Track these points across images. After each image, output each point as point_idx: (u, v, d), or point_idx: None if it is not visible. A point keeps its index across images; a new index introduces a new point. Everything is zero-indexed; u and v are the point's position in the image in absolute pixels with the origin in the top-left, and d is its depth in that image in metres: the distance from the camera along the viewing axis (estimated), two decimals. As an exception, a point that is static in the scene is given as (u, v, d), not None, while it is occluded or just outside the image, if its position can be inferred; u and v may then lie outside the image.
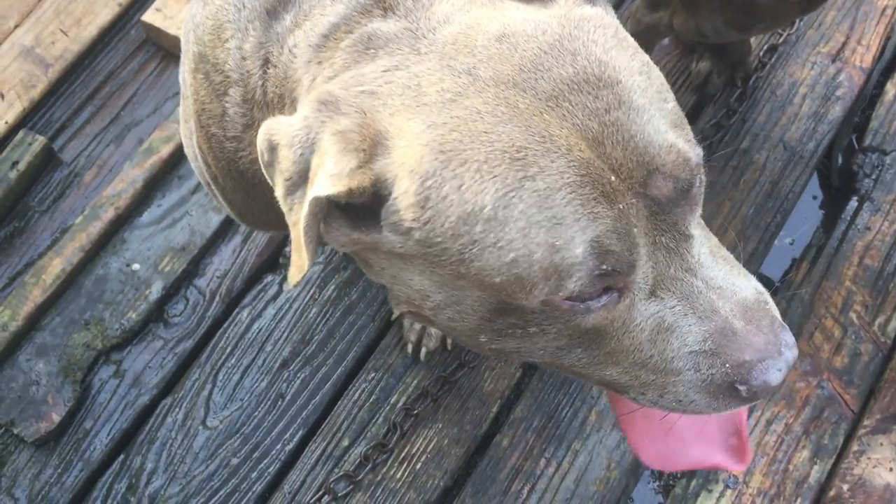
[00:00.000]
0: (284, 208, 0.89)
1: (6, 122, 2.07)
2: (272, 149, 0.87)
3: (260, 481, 1.74)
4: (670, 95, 0.90)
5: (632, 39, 0.93)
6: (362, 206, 0.86)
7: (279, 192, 0.89)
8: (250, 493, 1.73)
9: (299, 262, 0.87)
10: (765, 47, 2.09)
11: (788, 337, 0.91)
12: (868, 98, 2.14)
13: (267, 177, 0.91)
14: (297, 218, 0.86)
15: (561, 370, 1.00)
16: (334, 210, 0.87)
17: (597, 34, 0.88)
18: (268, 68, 0.99)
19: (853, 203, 1.99)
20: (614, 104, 0.84)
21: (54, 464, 1.76)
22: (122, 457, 1.77)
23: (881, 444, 1.75)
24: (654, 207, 0.85)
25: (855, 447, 1.74)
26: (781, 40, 2.11)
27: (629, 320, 0.89)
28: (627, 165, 0.83)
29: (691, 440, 1.05)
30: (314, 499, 1.70)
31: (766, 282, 2.00)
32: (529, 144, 0.82)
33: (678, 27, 1.77)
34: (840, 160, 2.12)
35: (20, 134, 2.04)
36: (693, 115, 2.08)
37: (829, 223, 2.03)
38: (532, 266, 0.83)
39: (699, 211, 0.92)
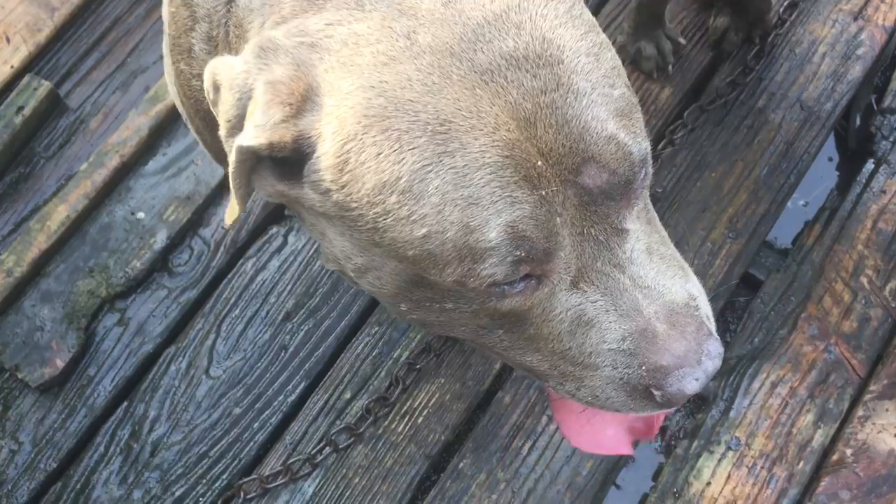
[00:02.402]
0: (226, 149, 0.88)
1: (11, 67, 2.05)
2: (216, 88, 0.87)
3: (262, 431, 1.75)
4: (620, 81, 0.86)
5: (588, 16, 0.88)
6: (289, 160, 0.84)
7: (222, 133, 0.88)
8: (252, 443, 1.74)
9: (232, 205, 0.87)
10: (785, 3, 2.03)
11: (713, 346, 0.87)
12: (889, 58, 2.09)
13: (214, 114, 0.90)
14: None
15: (485, 350, 0.98)
16: (265, 160, 0.85)
17: (548, 8, 0.84)
18: (231, 6, 0.97)
19: (869, 165, 1.95)
20: (552, 85, 0.80)
21: (58, 409, 1.78)
22: (125, 404, 1.78)
23: (887, 410, 1.73)
24: (584, 197, 0.82)
25: (860, 412, 1.73)
26: (803, -4, 2.05)
27: (549, 309, 0.86)
28: (558, 151, 0.80)
29: (606, 424, 1.05)
30: (315, 450, 1.71)
31: (776, 246, 1.97)
32: (455, 119, 0.79)
33: (695, -20, 1.72)
34: (858, 121, 2.07)
35: (26, 79, 2.02)
36: (709, 72, 2.04)
37: (844, 186, 1.99)
38: (445, 244, 0.81)
39: (641, 205, 0.88)
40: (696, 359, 0.85)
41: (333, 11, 0.86)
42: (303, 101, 0.82)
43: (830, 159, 2.07)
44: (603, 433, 1.06)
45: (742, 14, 1.98)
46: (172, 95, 1.20)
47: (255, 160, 0.84)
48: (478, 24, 0.82)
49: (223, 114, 0.86)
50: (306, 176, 0.84)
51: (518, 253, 0.80)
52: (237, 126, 0.85)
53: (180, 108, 1.20)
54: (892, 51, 2.08)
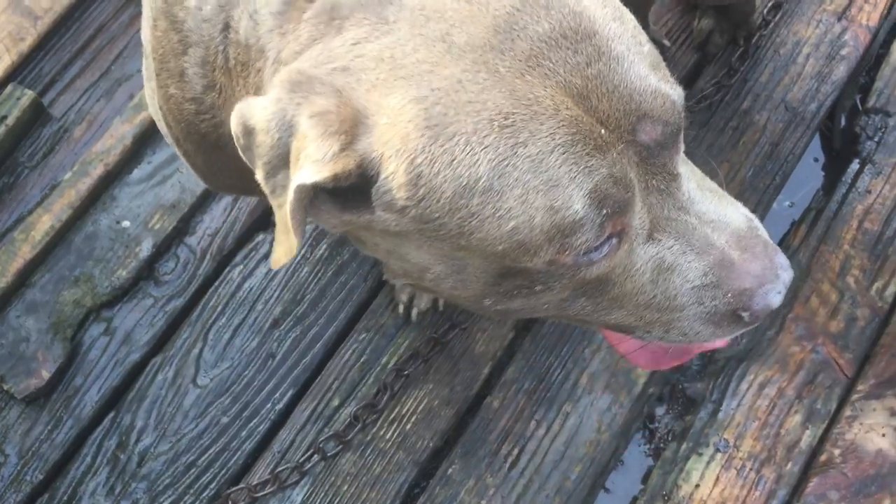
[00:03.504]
0: (266, 191, 0.86)
1: (-5, 76, 2.04)
2: (248, 133, 0.84)
3: (250, 440, 1.74)
4: (644, 37, 0.88)
5: None
6: (350, 188, 0.83)
7: (259, 176, 0.86)
8: (240, 452, 1.73)
9: (287, 244, 0.85)
10: (769, 4, 2.04)
11: (782, 259, 0.92)
12: (874, 58, 2.09)
13: (245, 159, 0.88)
14: (281, 202, 0.84)
15: (565, 320, 1.00)
16: (321, 193, 0.84)
17: None
18: (228, 33, 0.95)
19: (854, 165, 1.95)
20: (594, 56, 0.82)
21: (44, 420, 1.77)
22: (112, 414, 1.77)
23: (874, 410, 1.73)
24: (643, 153, 0.85)
25: (848, 412, 1.73)
26: (787, -3, 2.06)
27: (630, 265, 0.89)
28: (615, 116, 0.82)
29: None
30: (304, 458, 1.70)
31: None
32: (516, 109, 0.80)
33: (678, -17, 1.72)
34: (843, 122, 2.08)
35: (9, 88, 2.01)
36: (694, 74, 2.04)
37: (829, 186, 1.99)
38: (533, 230, 0.82)
39: (683, 148, 0.91)
40: (773, 274, 0.90)
41: (356, 30, 0.84)
42: (354, 126, 0.81)
43: (816, 160, 2.08)
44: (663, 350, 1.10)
45: (726, 16, 1.98)
46: (156, 118, 1.18)
47: (312, 196, 0.83)
48: (507, 13, 0.82)
49: (261, 156, 0.84)
50: (376, 198, 0.84)
51: (604, 212, 0.82)
52: (278, 166, 0.84)
53: (165, 131, 1.17)
54: (877, 51, 2.09)
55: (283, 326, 1.83)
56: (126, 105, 2.01)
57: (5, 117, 1.97)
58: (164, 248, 1.90)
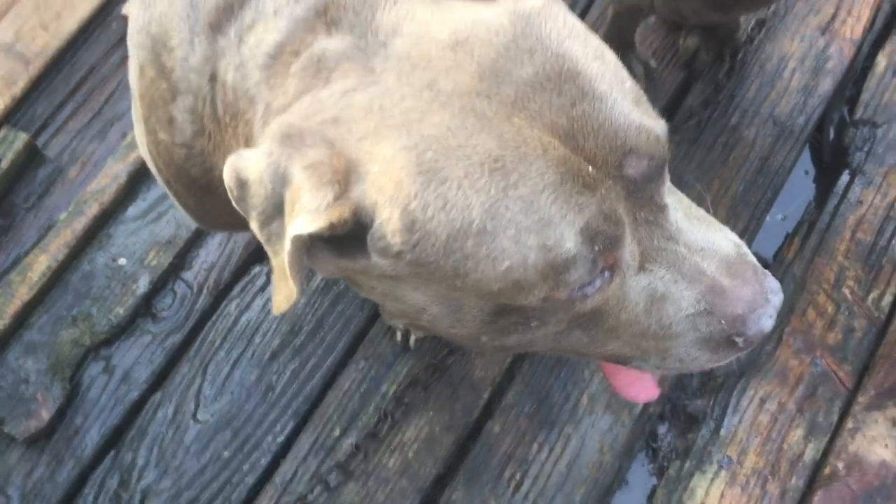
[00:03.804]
0: (261, 239, 0.87)
1: (-12, 120, 2.05)
2: (241, 185, 0.86)
3: (251, 473, 1.74)
4: (625, 73, 0.90)
5: (580, 24, 0.92)
6: (346, 235, 0.85)
7: (254, 226, 0.87)
8: (242, 486, 1.73)
9: (287, 291, 0.86)
10: (753, 21, 2.06)
11: (772, 283, 0.93)
12: (859, 70, 2.11)
13: (239, 210, 0.89)
14: (277, 250, 0.86)
15: (562, 353, 1.01)
16: (317, 241, 0.85)
17: (548, 27, 0.87)
18: (215, 84, 0.96)
19: (845, 177, 1.96)
20: (578, 96, 0.83)
21: (46, 461, 1.76)
22: (112, 453, 1.77)
23: (876, 421, 1.73)
24: (630, 187, 0.86)
25: (850, 424, 1.73)
26: (771, 14, 2.08)
27: (623, 297, 0.91)
28: (601, 153, 0.84)
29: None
30: (307, 490, 1.70)
31: (758, 261, 1.98)
32: (505, 152, 0.81)
33: (659, 8, 1.74)
34: (832, 134, 2.09)
35: (2, 131, 2.02)
36: (682, 92, 2.06)
37: (821, 198, 2.00)
38: (528, 269, 0.83)
39: (667, 180, 0.93)
40: (764, 298, 0.92)
41: (343, 81, 0.86)
42: (347, 175, 0.82)
43: (807, 172, 2.09)
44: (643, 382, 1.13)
45: (711, 34, 2.00)
46: (146, 159, 1.19)
47: (308, 244, 0.85)
48: (492, 59, 0.84)
49: (255, 207, 0.86)
50: (371, 245, 0.85)
51: (596, 248, 0.84)
52: (272, 215, 0.85)
53: (155, 172, 1.18)
54: (862, 63, 2.10)
55: (281, 358, 1.83)
56: (119, 144, 2.03)
57: (0, 160, 1.99)
58: (161, 284, 1.91)
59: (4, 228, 1.98)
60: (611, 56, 0.90)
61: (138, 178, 1.99)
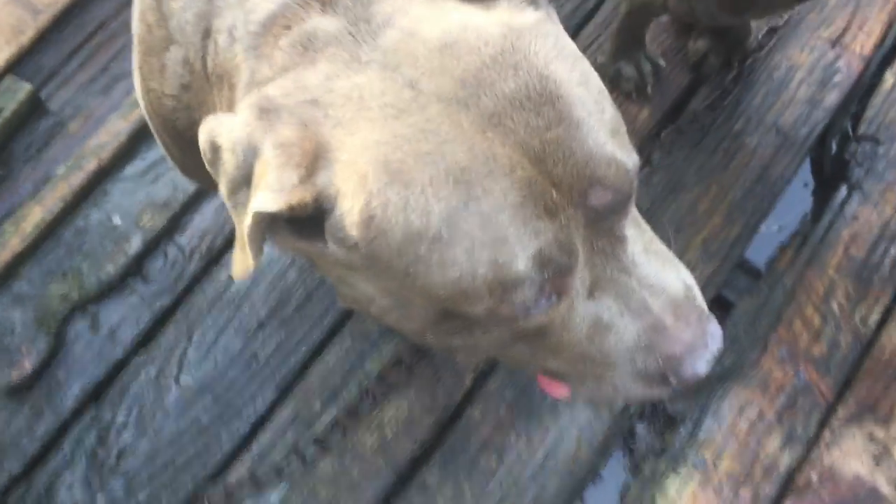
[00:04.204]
0: (228, 205, 0.89)
1: (-7, 68, 2.05)
2: (214, 149, 0.87)
3: (229, 441, 1.74)
4: (608, 103, 0.90)
5: (571, 47, 0.92)
6: (307, 218, 0.86)
7: (223, 191, 0.88)
8: (219, 452, 1.73)
9: (244, 261, 0.87)
10: (764, 29, 2.06)
11: (714, 328, 0.95)
12: (866, 86, 2.11)
13: (210, 172, 0.90)
14: (241, 219, 0.87)
15: (504, 361, 1.03)
16: (278, 220, 0.86)
17: (538, 45, 0.87)
18: (208, 41, 0.96)
19: (843, 192, 1.96)
20: (555, 121, 0.84)
21: (25, 412, 1.77)
22: (93, 409, 1.77)
23: (854, 436, 1.74)
24: (591, 215, 0.87)
25: (827, 437, 1.74)
26: (782, 23, 2.07)
27: (568, 320, 0.92)
28: (568, 180, 0.84)
29: None
30: (283, 460, 1.71)
31: (749, 268, 1.98)
32: (473, 165, 0.81)
33: (672, 8, 1.74)
34: (834, 148, 2.09)
35: (6, 80, 2.02)
36: (688, 95, 2.05)
37: (817, 211, 2.01)
38: (476, 281, 0.84)
39: (633, 211, 0.94)
40: (703, 343, 0.93)
41: (328, 64, 0.86)
42: (315, 160, 0.83)
43: (806, 185, 2.09)
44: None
45: (721, 38, 2.00)
46: (142, 109, 1.20)
47: (269, 221, 0.85)
48: (477, 68, 0.84)
49: (225, 174, 0.87)
50: (329, 233, 0.86)
51: (546, 275, 0.85)
52: (241, 184, 0.86)
53: (149, 122, 1.20)
54: (869, 79, 2.10)
55: (268, 329, 1.83)
56: (122, 101, 2.03)
57: (2, 109, 1.98)
58: (154, 245, 1.91)
59: (2, 178, 1.98)
60: (595, 83, 0.90)
61: (139, 137, 1.98)
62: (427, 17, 0.88)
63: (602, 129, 0.86)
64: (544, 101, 0.84)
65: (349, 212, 0.83)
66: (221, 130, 0.86)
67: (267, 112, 0.84)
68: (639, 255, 0.91)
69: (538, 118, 0.83)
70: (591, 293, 0.91)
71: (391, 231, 0.83)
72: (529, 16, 0.90)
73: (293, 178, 0.82)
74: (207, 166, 0.90)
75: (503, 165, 0.82)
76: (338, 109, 0.84)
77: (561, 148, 0.83)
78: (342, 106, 0.84)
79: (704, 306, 0.96)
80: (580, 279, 0.89)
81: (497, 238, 0.82)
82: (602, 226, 0.88)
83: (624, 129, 0.91)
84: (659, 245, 0.96)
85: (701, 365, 0.93)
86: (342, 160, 0.83)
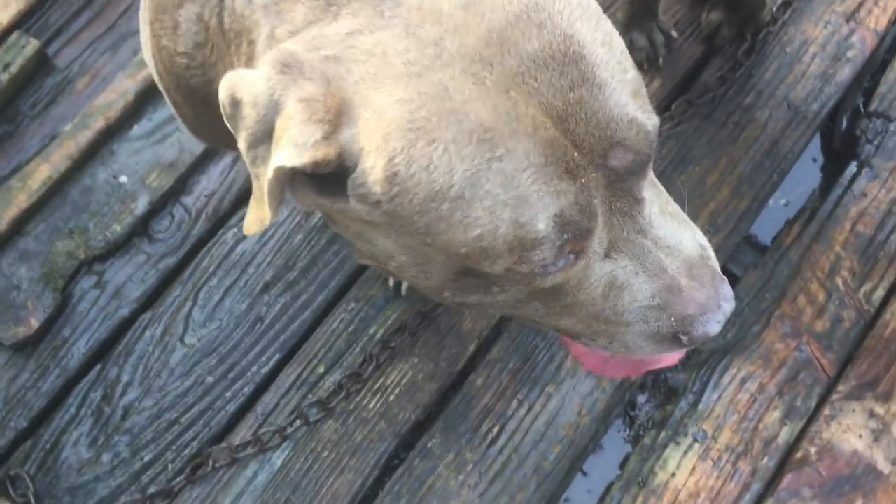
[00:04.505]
0: (247, 160, 0.88)
1: (0, 23, 2.03)
2: (235, 104, 0.87)
3: (233, 401, 1.76)
4: (629, 63, 0.90)
5: (594, 5, 0.91)
6: (329, 174, 0.86)
7: (242, 146, 0.88)
8: (223, 412, 1.75)
9: (261, 214, 0.88)
10: (779, 2, 2.04)
11: (727, 290, 0.96)
12: (879, 62, 2.09)
13: (229, 126, 0.90)
14: (260, 173, 0.87)
15: (517, 319, 1.04)
16: (300, 175, 0.86)
17: (562, 4, 0.86)
18: None
19: (852, 168, 1.96)
20: (578, 81, 0.84)
21: (31, 368, 1.78)
22: (98, 367, 1.78)
23: (853, 411, 1.75)
24: (611, 176, 0.87)
25: (827, 412, 1.75)
26: (797, -4, 2.05)
27: (584, 279, 0.93)
28: (589, 141, 0.84)
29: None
30: (286, 422, 1.72)
31: (755, 242, 1.98)
32: (497, 124, 0.81)
33: (689, -26, 1.72)
34: (844, 124, 2.08)
35: (14, 36, 2.01)
36: (699, 66, 2.04)
37: (826, 187, 2.00)
38: (497, 240, 0.85)
39: (651, 173, 0.94)
40: (716, 304, 0.94)
41: (351, 19, 0.86)
42: (339, 116, 0.83)
43: (814, 160, 2.08)
44: (623, 364, 1.15)
45: (735, 10, 1.98)
46: (150, 67, 1.19)
47: (290, 176, 0.86)
48: (501, 26, 0.83)
49: (246, 128, 0.87)
50: (351, 189, 0.86)
51: (566, 236, 0.85)
52: (261, 139, 0.86)
53: (158, 82, 1.19)
54: (882, 55, 2.09)
55: (273, 291, 1.84)
56: (130, 61, 2.01)
57: (9, 65, 1.97)
58: (160, 205, 1.91)
59: (8, 134, 1.97)
60: (618, 43, 0.90)
61: (146, 96, 1.97)
62: None
63: (624, 90, 0.86)
64: (568, 60, 0.84)
65: (372, 169, 0.83)
66: (243, 84, 0.85)
67: (290, 67, 0.83)
68: (656, 217, 0.92)
69: (562, 78, 0.83)
70: (608, 253, 0.91)
71: (414, 189, 0.83)
72: None
73: (317, 133, 0.82)
74: (226, 121, 0.89)
75: (526, 125, 0.82)
76: (361, 66, 0.83)
77: (584, 108, 0.83)
78: (365, 62, 0.83)
79: (717, 267, 0.97)
80: (598, 239, 0.90)
81: (519, 197, 0.82)
82: (621, 186, 0.88)
83: (644, 90, 0.91)
84: (675, 207, 0.97)
85: (713, 325, 0.94)
86: (365, 118, 0.83)
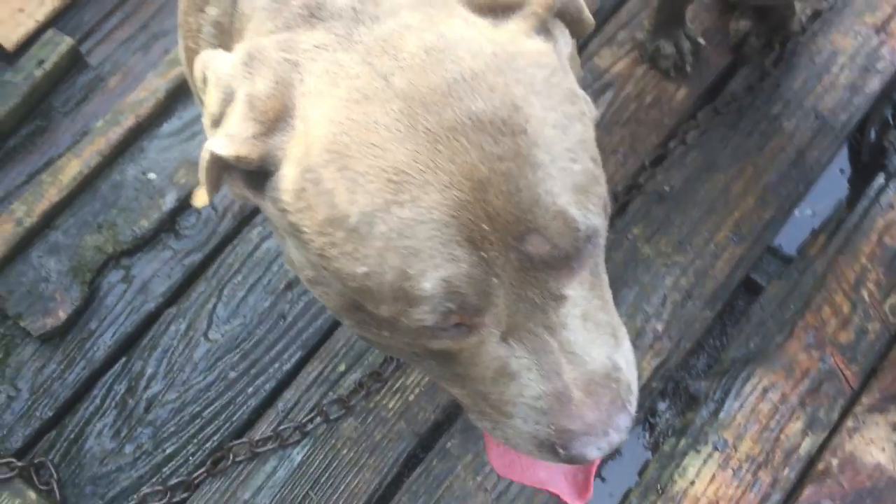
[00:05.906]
0: (208, 136, 0.92)
1: (36, 21, 2.07)
2: (205, 81, 0.91)
3: (255, 397, 1.77)
4: (585, 155, 0.87)
5: (569, 84, 0.89)
6: (258, 171, 0.88)
7: (205, 121, 0.92)
8: (245, 407, 1.76)
9: (202, 193, 0.92)
10: (809, 12, 2.03)
11: (623, 420, 0.89)
12: (909, 74, 2.08)
13: (200, 98, 0.94)
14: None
15: (418, 369, 1.01)
16: (230, 164, 0.89)
17: (526, 74, 0.85)
18: (237, 2, 0.99)
19: (880, 180, 1.94)
20: (510, 154, 0.81)
21: (58, 359, 1.80)
22: (123, 359, 1.80)
23: (877, 424, 1.73)
24: (525, 262, 0.83)
25: (850, 423, 1.73)
26: (827, 6, 2.05)
27: (477, 355, 0.89)
28: (505, 218, 0.81)
29: (539, 462, 1.04)
30: (306, 419, 1.73)
31: (780, 252, 1.97)
32: (410, 170, 0.80)
33: (718, -19, 1.72)
34: (873, 135, 2.07)
35: (49, 33, 2.05)
36: (727, 75, 2.04)
37: (853, 198, 1.99)
38: (382, 285, 0.83)
39: (585, 272, 0.89)
40: (603, 429, 0.88)
41: (323, 35, 0.88)
42: (275, 121, 0.86)
43: (842, 171, 2.07)
44: (534, 469, 1.09)
45: (764, 19, 1.98)
46: (183, 67, 1.22)
47: (222, 163, 0.88)
48: (454, 79, 0.83)
49: (208, 106, 0.91)
50: (268, 191, 0.89)
51: (450, 305, 0.83)
52: (217, 122, 0.90)
53: (189, 82, 1.22)
54: (913, 67, 2.07)
55: (296, 289, 1.85)
56: (161, 60, 2.04)
57: (43, 61, 2.01)
58: (187, 202, 1.93)
59: (41, 129, 2.01)
60: (578, 131, 0.87)
61: (176, 95, 2.00)
62: (431, 18, 0.87)
63: (563, 178, 0.83)
64: (506, 130, 0.81)
65: (286, 177, 0.85)
66: (213, 66, 0.90)
67: (252, 60, 0.87)
68: (572, 319, 0.87)
69: (494, 145, 0.81)
70: (505, 338, 0.87)
71: (317, 207, 0.84)
72: (533, 44, 0.88)
73: (249, 130, 0.85)
74: (199, 93, 0.94)
75: (441, 180, 0.80)
76: (313, 79, 0.86)
77: (508, 182, 0.80)
78: (318, 77, 0.86)
79: (627, 394, 0.91)
80: (495, 320, 0.86)
81: (411, 248, 0.81)
82: (536, 276, 0.84)
83: (599, 189, 0.88)
84: (606, 317, 0.92)
85: (592, 451, 0.88)
86: (298, 128, 0.85)
